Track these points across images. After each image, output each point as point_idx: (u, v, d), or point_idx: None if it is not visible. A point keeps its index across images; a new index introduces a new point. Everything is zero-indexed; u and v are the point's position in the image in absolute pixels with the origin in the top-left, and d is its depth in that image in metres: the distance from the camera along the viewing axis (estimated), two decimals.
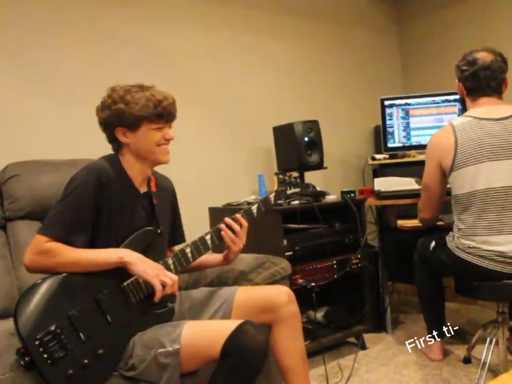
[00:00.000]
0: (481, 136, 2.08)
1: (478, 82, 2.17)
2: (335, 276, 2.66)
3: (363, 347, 2.83)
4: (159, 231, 1.77)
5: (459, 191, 2.14)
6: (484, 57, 2.16)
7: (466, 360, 2.53)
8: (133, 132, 1.67)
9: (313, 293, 2.48)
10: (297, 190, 2.02)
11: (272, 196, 1.94)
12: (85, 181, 1.60)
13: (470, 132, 2.10)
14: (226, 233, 1.78)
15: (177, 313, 1.81)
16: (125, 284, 1.60)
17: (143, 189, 1.78)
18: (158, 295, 1.57)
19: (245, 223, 1.82)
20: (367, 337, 2.90)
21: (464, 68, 2.20)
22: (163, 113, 1.68)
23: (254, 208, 1.88)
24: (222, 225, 1.79)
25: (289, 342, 1.78)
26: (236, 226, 1.79)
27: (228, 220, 1.80)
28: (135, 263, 1.57)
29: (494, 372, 2.29)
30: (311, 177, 3.05)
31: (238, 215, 1.81)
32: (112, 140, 1.72)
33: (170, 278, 1.59)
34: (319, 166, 2.95)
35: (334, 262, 2.68)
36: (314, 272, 2.60)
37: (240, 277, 1.99)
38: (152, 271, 1.57)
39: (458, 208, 2.17)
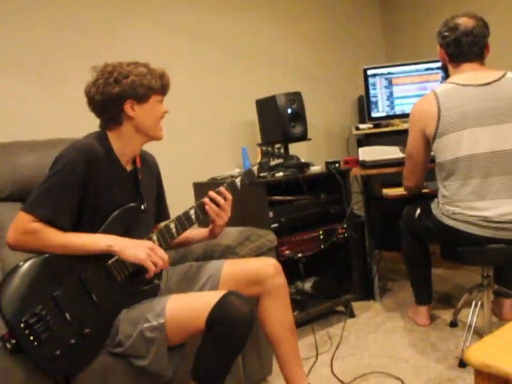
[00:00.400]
0: (463, 102, 2.07)
1: (461, 48, 2.15)
2: (322, 246, 2.67)
3: (352, 315, 2.86)
4: (142, 207, 1.75)
5: (443, 158, 2.14)
6: (465, 22, 2.13)
7: (453, 324, 2.58)
8: (141, 104, 1.67)
9: (300, 263, 2.49)
10: (280, 161, 2.00)
11: (255, 168, 1.92)
12: (74, 160, 1.55)
13: (453, 98, 2.09)
14: (210, 207, 1.76)
15: (164, 290, 1.81)
16: (110, 262, 1.59)
17: (129, 167, 1.75)
18: (151, 274, 1.58)
19: (229, 196, 1.80)
20: (355, 305, 2.93)
21: (446, 34, 2.17)
22: (166, 86, 1.75)
23: (238, 180, 1.85)
24: (206, 199, 1.77)
25: (278, 314, 1.79)
26: (220, 200, 1.77)
27: (211, 193, 1.78)
28: (124, 251, 1.56)
29: (480, 333, 2.33)
30: (295, 149, 3.04)
31: (221, 188, 1.79)
32: (116, 115, 1.67)
33: (161, 257, 1.58)
34: (303, 137, 2.94)
35: (320, 232, 2.69)
36: (300, 243, 2.60)
37: (227, 251, 1.98)
38: (142, 254, 1.55)
39: (443, 175, 2.18)
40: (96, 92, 1.65)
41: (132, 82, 1.63)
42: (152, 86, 1.67)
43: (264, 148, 1.99)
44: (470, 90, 2.08)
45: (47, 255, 1.52)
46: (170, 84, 1.78)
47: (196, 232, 1.93)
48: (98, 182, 1.61)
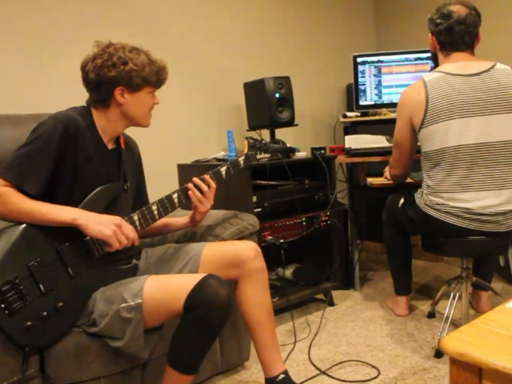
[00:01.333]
0: (452, 92, 2.05)
1: (453, 37, 2.13)
2: (304, 233, 2.66)
3: (331, 303, 2.86)
4: (125, 187, 1.74)
5: (429, 147, 2.13)
6: (458, 10, 2.11)
7: (431, 315, 2.59)
8: (132, 93, 1.65)
9: (282, 249, 2.48)
10: (267, 155, 2.04)
11: (241, 159, 1.94)
12: (50, 130, 1.54)
13: (441, 87, 2.07)
14: (194, 193, 1.77)
15: (143, 270, 1.79)
16: (88, 237, 1.56)
17: (110, 146, 1.74)
18: (113, 250, 1.55)
19: (213, 184, 1.81)
20: (335, 294, 2.93)
21: (438, 21, 2.15)
22: (163, 80, 1.74)
23: (223, 170, 1.87)
24: (190, 185, 1.78)
25: (256, 297, 1.78)
26: (204, 187, 1.78)
27: (196, 179, 1.78)
28: (88, 226, 1.50)
29: (457, 325, 2.34)
30: (282, 134, 3.02)
31: (206, 176, 1.80)
32: (105, 98, 1.65)
33: (127, 235, 1.54)
34: (290, 123, 2.91)
35: (304, 219, 2.67)
36: (283, 229, 2.59)
37: (208, 233, 1.97)
38: (108, 230, 1.50)
39: (428, 165, 2.17)
40: (92, 69, 1.63)
41: (129, 71, 1.62)
42: (148, 79, 1.67)
43: (251, 140, 2.01)
44: (458, 80, 2.06)
45: (24, 224, 1.50)
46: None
47: (176, 219, 1.93)
48: (77, 154, 1.59)
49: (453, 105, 2.04)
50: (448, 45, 2.16)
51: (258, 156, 2.00)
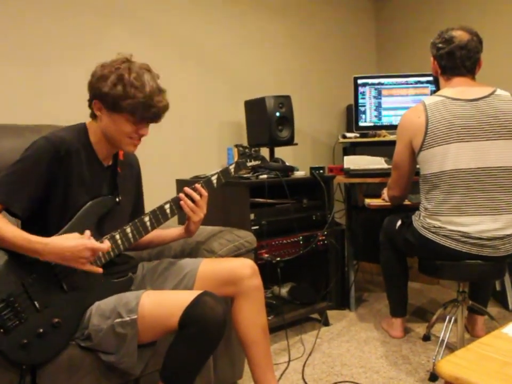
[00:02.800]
0: (451, 116, 2.07)
1: (454, 61, 2.16)
2: (301, 252, 2.66)
3: (326, 323, 2.85)
4: (117, 199, 1.72)
5: (427, 170, 2.14)
6: (460, 36, 2.14)
7: (426, 338, 2.58)
8: (109, 112, 1.58)
9: (278, 268, 2.48)
10: (258, 162, 2.02)
11: (232, 167, 1.93)
12: (40, 152, 1.52)
13: (441, 112, 2.09)
14: (185, 203, 1.76)
15: (138, 284, 1.78)
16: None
17: (107, 162, 1.72)
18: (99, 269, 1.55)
19: (204, 193, 1.80)
20: (330, 314, 2.92)
21: (440, 45, 2.18)
22: (147, 118, 1.60)
23: (214, 178, 1.86)
24: (181, 195, 1.77)
25: (251, 315, 1.77)
26: (195, 196, 1.77)
27: (187, 189, 1.78)
28: (63, 263, 1.47)
29: (452, 349, 2.33)
30: (281, 153, 3.03)
31: (197, 185, 1.79)
32: (90, 107, 1.63)
33: (99, 249, 1.51)
34: (290, 142, 2.93)
35: (301, 238, 2.68)
36: (280, 247, 2.59)
37: (204, 249, 1.96)
38: (82, 265, 1.48)
39: (426, 187, 2.18)
40: (93, 74, 1.60)
41: (116, 95, 1.53)
42: (126, 108, 1.55)
43: (241, 148, 2.01)
44: (458, 105, 2.09)
45: None
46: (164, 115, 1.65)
47: (171, 230, 1.92)
48: (69, 176, 1.58)
49: (451, 130, 2.06)
50: (449, 69, 2.18)
51: (249, 164, 1.99)
